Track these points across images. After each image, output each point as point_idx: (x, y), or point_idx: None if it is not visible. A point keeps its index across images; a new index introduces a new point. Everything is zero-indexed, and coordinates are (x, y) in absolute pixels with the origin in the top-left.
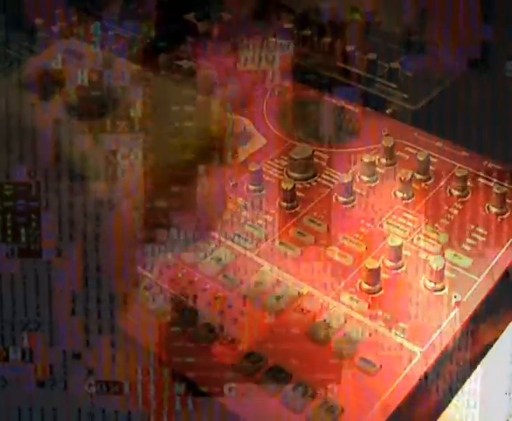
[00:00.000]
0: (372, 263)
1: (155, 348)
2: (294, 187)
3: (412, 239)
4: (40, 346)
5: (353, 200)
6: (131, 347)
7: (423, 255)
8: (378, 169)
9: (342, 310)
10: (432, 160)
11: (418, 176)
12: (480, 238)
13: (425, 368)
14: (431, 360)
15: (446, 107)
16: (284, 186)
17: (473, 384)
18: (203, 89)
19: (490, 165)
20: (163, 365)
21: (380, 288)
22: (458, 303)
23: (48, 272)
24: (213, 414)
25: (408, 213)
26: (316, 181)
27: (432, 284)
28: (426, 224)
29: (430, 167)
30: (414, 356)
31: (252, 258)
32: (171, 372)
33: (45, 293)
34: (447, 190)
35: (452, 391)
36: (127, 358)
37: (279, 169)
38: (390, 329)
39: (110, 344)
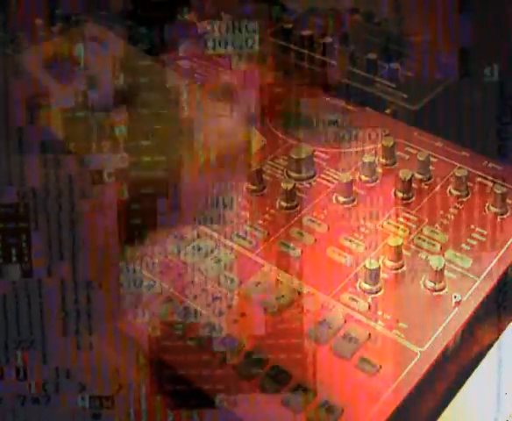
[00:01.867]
0: (372, 263)
1: (152, 349)
2: (294, 187)
3: (412, 239)
4: (34, 364)
5: (353, 200)
6: (127, 353)
7: (423, 255)
8: (378, 169)
9: (342, 310)
10: (432, 160)
11: (418, 176)
12: (480, 238)
13: (425, 368)
14: (431, 360)
15: (446, 107)
16: (284, 186)
17: (474, 384)
18: (224, 98)
19: (490, 165)
20: (161, 366)
21: (380, 288)
22: (458, 303)
23: (39, 291)
24: (213, 415)
25: (408, 213)
26: (316, 181)
27: (432, 284)
28: (426, 224)
29: (430, 167)
30: (414, 356)
31: (252, 258)
32: (168, 373)
33: (36, 311)
34: (447, 190)
35: (452, 391)
36: (124, 366)
37: (279, 169)
38: (390, 329)
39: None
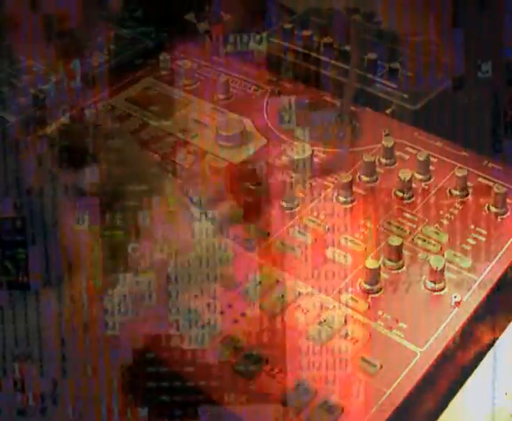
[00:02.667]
0: (372, 263)
1: (149, 350)
2: (294, 187)
3: (412, 239)
4: (31, 376)
5: (353, 200)
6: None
7: (423, 255)
8: (378, 169)
9: (342, 310)
10: (432, 160)
11: (418, 176)
12: (480, 238)
13: (425, 368)
14: (431, 360)
15: (446, 107)
16: (285, 186)
17: (473, 384)
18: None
19: (490, 165)
20: (159, 370)
21: (380, 289)
22: (458, 303)
23: (36, 303)
24: (213, 414)
25: (408, 213)
26: (316, 181)
27: (432, 284)
28: (426, 224)
29: (430, 167)
30: (414, 356)
31: (252, 258)
32: (167, 374)
33: (34, 323)
34: (447, 190)
35: (452, 391)
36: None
37: (279, 169)
38: (390, 329)
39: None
